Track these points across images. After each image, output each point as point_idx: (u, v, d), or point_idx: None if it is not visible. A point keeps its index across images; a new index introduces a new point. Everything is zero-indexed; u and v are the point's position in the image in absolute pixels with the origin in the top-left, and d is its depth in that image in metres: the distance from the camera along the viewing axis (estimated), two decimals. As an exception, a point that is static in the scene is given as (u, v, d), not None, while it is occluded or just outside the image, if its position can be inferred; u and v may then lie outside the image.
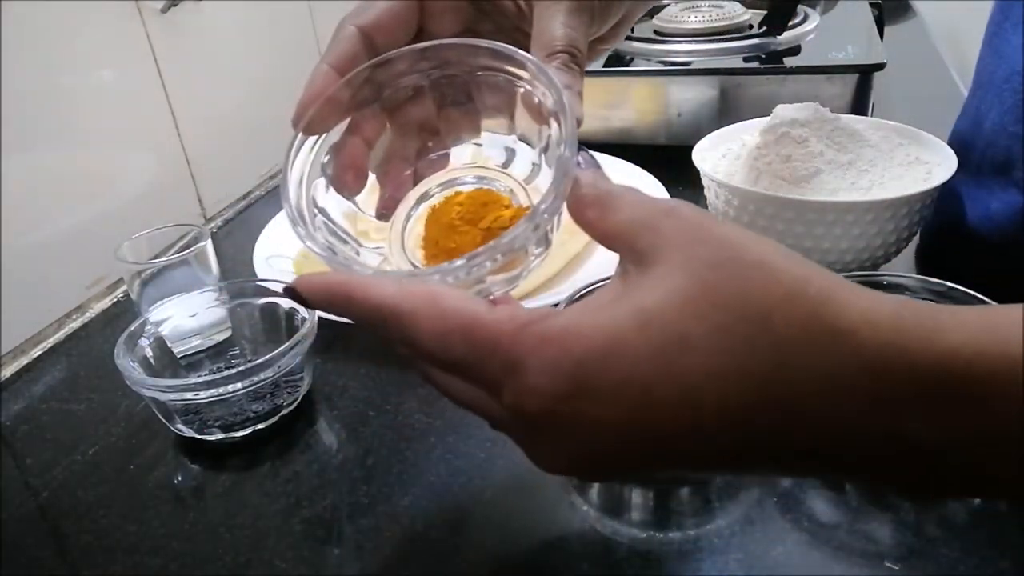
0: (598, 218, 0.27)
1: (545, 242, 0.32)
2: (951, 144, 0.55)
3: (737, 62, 0.79)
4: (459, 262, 0.28)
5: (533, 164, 0.35)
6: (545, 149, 0.33)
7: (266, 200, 0.85)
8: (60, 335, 0.64)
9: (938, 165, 0.54)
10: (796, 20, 0.85)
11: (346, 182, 0.35)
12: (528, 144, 0.35)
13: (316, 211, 0.34)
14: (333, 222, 0.35)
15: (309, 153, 0.35)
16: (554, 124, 0.31)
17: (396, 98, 0.36)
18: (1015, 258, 0.51)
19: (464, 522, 0.42)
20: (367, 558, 0.40)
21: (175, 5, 0.73)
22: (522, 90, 0.33)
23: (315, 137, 0.35)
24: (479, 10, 0.37)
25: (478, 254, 0.28)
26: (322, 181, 0.35)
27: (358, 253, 0.35)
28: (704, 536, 0.39)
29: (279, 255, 0.66)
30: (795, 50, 0.81)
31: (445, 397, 0.30)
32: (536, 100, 0.32)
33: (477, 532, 0.41)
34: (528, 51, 0.34)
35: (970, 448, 0.21)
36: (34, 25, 0.61)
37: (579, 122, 0.32)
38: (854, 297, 0.22)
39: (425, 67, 0.35)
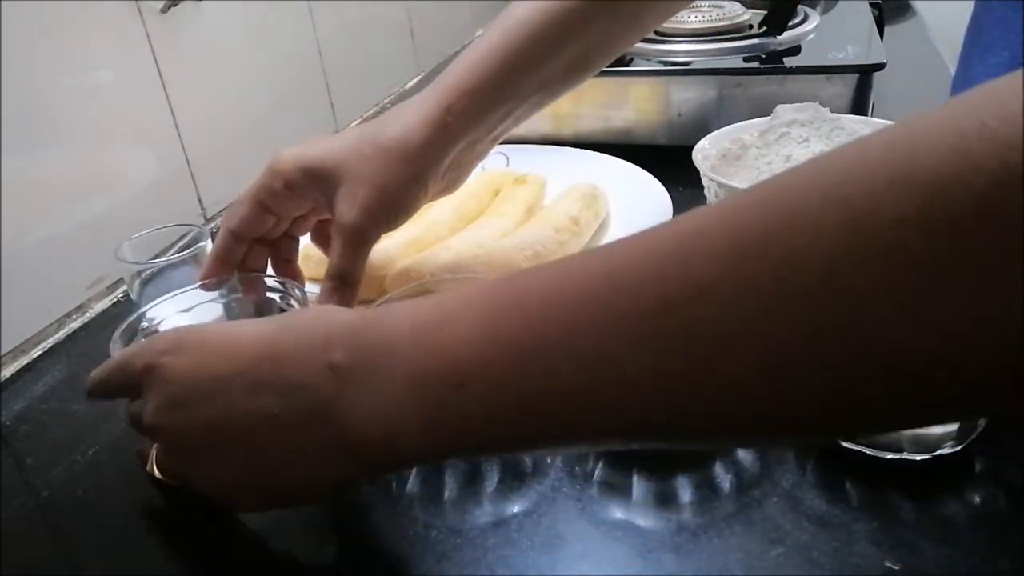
0: None
1: None
2: None
3: (737, 62, 0.79)
4: None
5: None
6: None
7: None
8: (60, 335, 0.64)
9: (938, 165, 0.54)
10: (796, 20, 0.85)
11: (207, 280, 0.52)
12: None
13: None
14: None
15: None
16: None
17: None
18: None
19: (464, 522, 0.42)
20: (367, 558, 0.40)
21: (175, 5, 0.73)
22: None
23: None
24: (306, 205, 0.52)
25: None
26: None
27: None
28: (704, 536, 0.39)
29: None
30: (795, 50, 0.81)
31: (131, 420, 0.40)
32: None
33: (477, 532, 0.41)
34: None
35: (367, 372, 0.32)
36: (34, 25, 0.61)
37: None
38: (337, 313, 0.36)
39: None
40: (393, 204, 0.49)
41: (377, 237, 0.49)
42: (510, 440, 0.31)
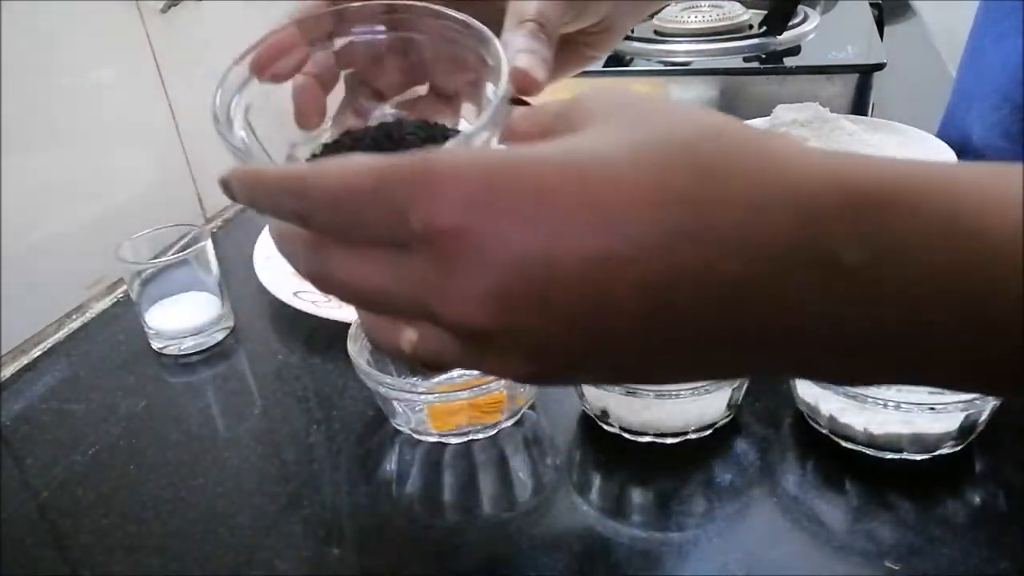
0: (529, 123, 0.27)
1: None
2: None
3: (737, 62, 0.79)
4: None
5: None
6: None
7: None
8: (60, 335, 0.64)
9: (938, 165, 0.54)
10: (796, 20, 0.85)
11: (309, 120, 0.35)
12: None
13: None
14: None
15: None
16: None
17: (352, 52, 0.35)
18: None
19: (464, 522, 0.42)
20: (367, 558, 0.40)
21: (175, 5, 0.73)
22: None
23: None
24: None
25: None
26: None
27: None
28: (704, 536, 0.39)
29: (279, 255, 0.66)
30: (795, 50, 0.81)
31: (349, 292, 0.25)
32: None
33: (477, 533, 0.41)
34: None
35: (903, 266, 0.20)
36: (34, 25, 0.61)
37: (536, 86, 0.31)
38: (780, 137, 0.23)
39: (385, 25, 0.34)
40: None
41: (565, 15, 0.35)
42: None
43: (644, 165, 0.21)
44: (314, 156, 0.33)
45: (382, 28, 0.34)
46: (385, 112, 0.36)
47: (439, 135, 0.31)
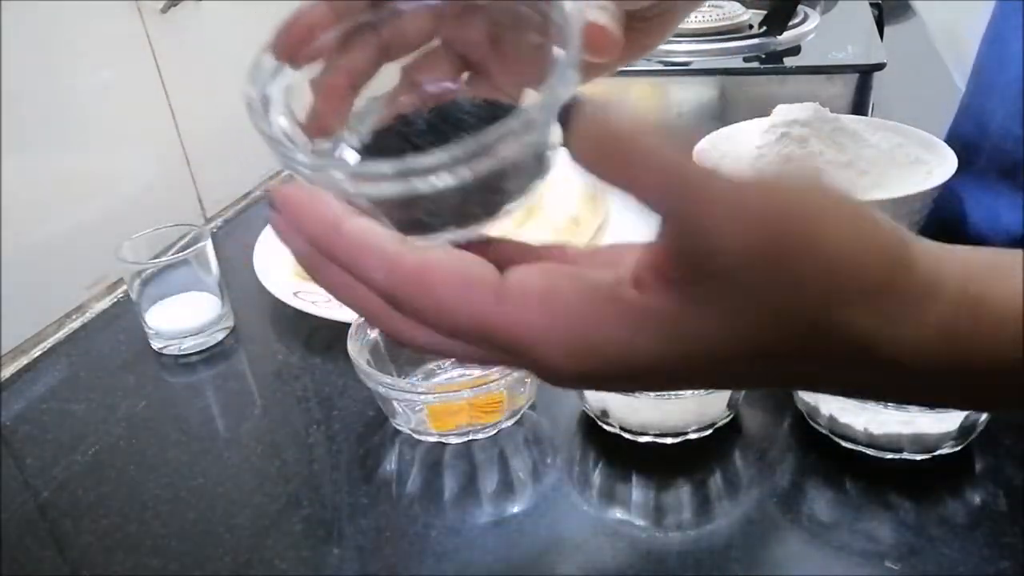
0: (621, 166, 0.23)
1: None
2: (950, 145, 0.55)
3: (737, 62, 0.79)
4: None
5: None
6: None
7: (266, 200, 0.85)
8: (60, 335, 0.64)
9: (938, 165, 0.54)
10: (796, 20, 0.85)
11: (323, 129, 0.31)
12: None
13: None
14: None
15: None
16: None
17: (396, 27, 0.32)
18: None
19: (464, 522, 0.42)
20: (367, 558, 0.40)
21: (175, 5, 0.73)
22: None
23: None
24: None
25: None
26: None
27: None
28: (704, 536, 0.39)
29: (280, 255, 0.66)
30: (795, 50, 0.81)
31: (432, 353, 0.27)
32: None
33: (477, 532, 0.41)
34: None
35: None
36: (34, 25, 0.61)
37: (611, 43, 0.28)
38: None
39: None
40: None
41: None
42: None
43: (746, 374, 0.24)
44: (365, 147, 0.31)
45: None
46: (440, 84, 0.33)
47: (501, 113, 0.28)
